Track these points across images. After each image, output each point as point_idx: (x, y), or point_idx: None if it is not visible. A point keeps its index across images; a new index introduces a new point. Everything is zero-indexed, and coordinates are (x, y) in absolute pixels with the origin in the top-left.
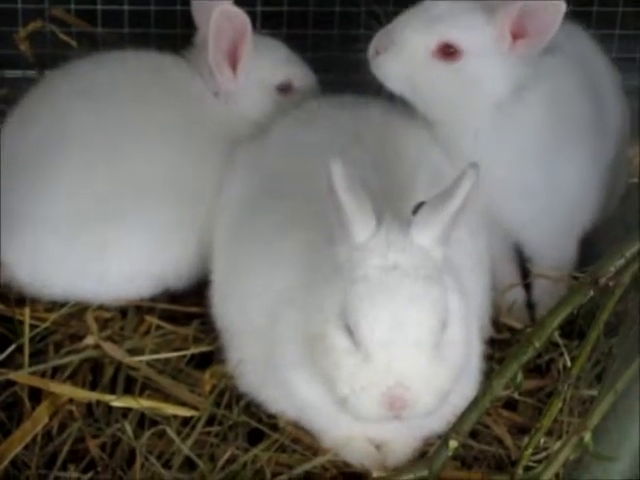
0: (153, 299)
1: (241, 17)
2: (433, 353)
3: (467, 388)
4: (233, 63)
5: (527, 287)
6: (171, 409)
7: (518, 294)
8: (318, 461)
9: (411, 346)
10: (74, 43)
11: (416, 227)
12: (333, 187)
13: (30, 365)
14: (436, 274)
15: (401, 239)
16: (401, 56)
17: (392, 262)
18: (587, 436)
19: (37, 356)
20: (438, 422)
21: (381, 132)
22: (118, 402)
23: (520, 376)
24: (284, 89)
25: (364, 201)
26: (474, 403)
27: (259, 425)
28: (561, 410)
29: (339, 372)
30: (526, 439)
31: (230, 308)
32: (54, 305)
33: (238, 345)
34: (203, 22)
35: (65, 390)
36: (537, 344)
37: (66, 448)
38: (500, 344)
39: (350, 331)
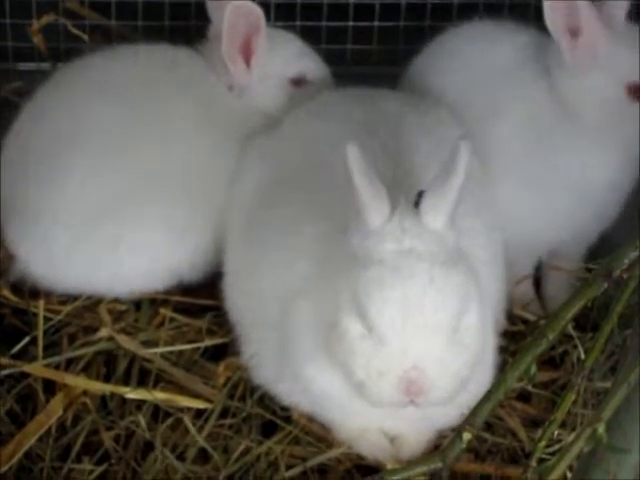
0: (167, 292)
1: (255, 11)
2: (451, 338)
3: (481, 381)
4: (247, 56)
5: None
6: (185, 401)
7: (528, 287)
8: (332, 453)
9: (428, 330)
10: (85, 37)
11: (427, 212)
12: (348, 172)
13: (44, 357)
14: (454, 258)
15: (416, 225)
16: None
17: (408, 247)
18: (601, 428)
19: (51, 348)
20: (451, 414)
21: (395, 124)
22: (132, 394)
23: (534, 368)
24: (297, 82)
25: (379, 187)
26: (488, 395)
27: (273, 417)
28: (575, 402)
29: (354, 357)
30: (540, 431)
31: (244, 300)
32: (68, 297)
33: (252, 337)
34: (217, 15)
35: (79, 382)
36: (551, 336)
37: (80, 440)
38: (514, 336)
39: (362, 316)
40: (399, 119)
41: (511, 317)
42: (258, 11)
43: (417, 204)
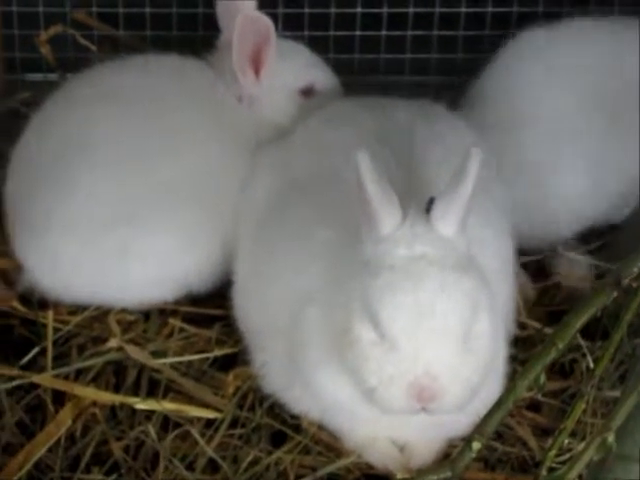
0: (176, 302)
1: (265, 22)
2: (462, 344)
3: (492, 389)
4: (256, 67)
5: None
6: (194, 411)
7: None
8: (342, 463)
9: (440, 335)
10: (94, 47)
11: (438, 219)
12: (360, 179)
13: (53, 368)
14: (465, 264)
15: (427, 231)
16: None
17: (419, 253)
18: (610, 437)
19: (60, 359)
20: (461, 422)
21: (406, 132)
22: (141, 404)
23: (543, 377)
24: (306, 92)
25: (390, 194)
26: (498, 404)
27: (282, 427)
28: (584, 411)
29: (366, 364)
30: (550, 440)
31: (254, 308)
32: (77, 308)
33: (262, 345)
34: (227, 25)
35: (88, 393)
36: (560, 345)
37: (90, 451)
38: (524, 343)
39: (374, 322)
40: (410, 128)
41: (519, 324)
42: (268, 22)
43: (428, 211)
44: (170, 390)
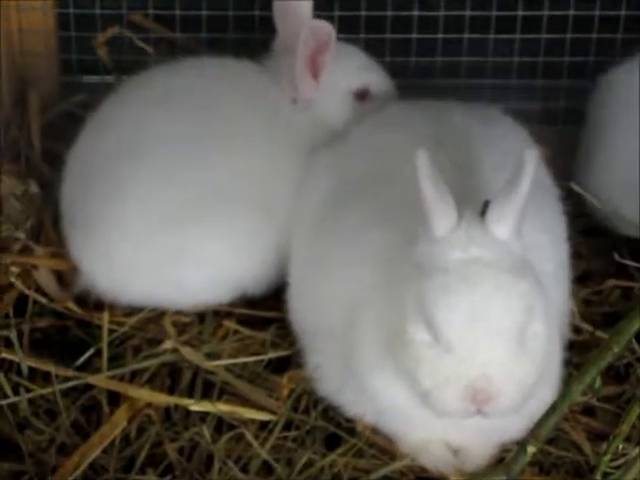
0: (231, 304)
1: (327, 29)
2: (517, 345)
3: (546, 394)
4: (314, 71)
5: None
6: (249, 413)
7: None
8: (395, 466)
9: (494, 337)
10: (150, 49)
11: (494, 222)
12: (417, 179)
13: (109, 369)
14: (520, 268)
15: (482, 234)
16: None
17: (474, 256)
18: None
19: (115, 360)
20: (516, 426)
21: (461, 136)
22: (196, 406)
23: (599, 382)
24: (361, 95)
25: (446, 195)
26: (552, 408)
27: (337, 430)
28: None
29: (421, 366)
30: (604, 445)
31: (308, 310)
32: (132, 310)
33: (317, 348)
34: (283, 26)
35: (143, 394)
36: (616, 349)
37: (144, 452)
38: (578, 348)
39: (429, 324)
40: (466, 131)
41: (574, 327)
42: (330, 29)
43: (483, 213)
44: (224, 392)
